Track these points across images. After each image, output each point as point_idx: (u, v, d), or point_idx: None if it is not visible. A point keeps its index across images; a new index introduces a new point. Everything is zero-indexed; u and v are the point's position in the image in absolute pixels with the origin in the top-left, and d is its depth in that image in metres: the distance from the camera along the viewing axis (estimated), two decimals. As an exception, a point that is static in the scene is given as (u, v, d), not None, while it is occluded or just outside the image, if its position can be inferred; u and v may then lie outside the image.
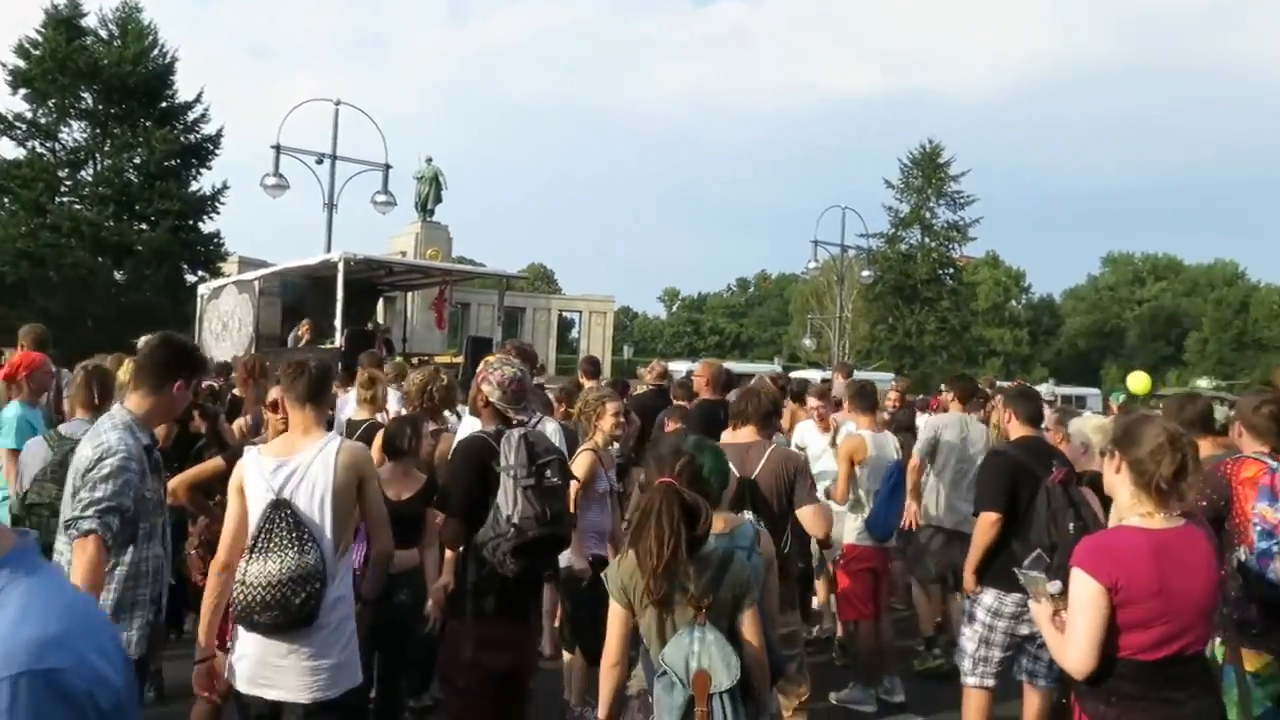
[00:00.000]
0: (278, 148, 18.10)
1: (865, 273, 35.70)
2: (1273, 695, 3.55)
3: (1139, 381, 10.24)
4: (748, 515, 4.26)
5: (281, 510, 3.25)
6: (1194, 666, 2.77)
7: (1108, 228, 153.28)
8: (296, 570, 3.17)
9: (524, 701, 4.13)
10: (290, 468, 3.33)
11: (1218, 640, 3.59)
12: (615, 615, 2.96)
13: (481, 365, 4.23)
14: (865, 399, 6.50)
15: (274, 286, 16.06)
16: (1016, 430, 4.96)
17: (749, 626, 2.94)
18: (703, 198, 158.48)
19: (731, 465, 4.31)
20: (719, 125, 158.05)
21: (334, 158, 18.57)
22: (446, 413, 5.96)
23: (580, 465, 5.14)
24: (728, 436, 4.72)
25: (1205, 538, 2.89)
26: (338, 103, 19.05)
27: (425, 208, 33.98)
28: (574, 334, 57.36)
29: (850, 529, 6.14)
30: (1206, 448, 3.92)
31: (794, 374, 26.11)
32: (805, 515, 4.50)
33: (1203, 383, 58.24)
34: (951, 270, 55.78)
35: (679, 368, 25.94)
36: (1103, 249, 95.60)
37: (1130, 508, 2.86)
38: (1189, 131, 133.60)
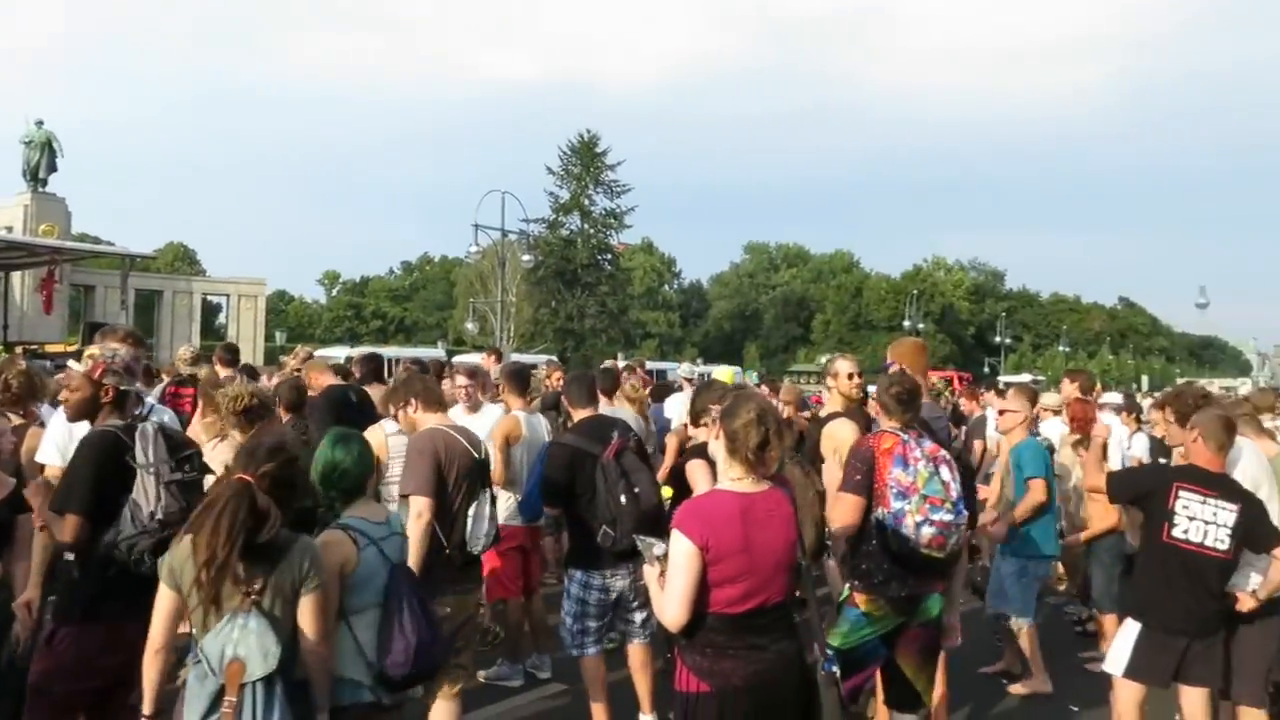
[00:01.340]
0: None
1: (526, 257, 36.38)
2: (880, 633, 4.06)
3: (725, 374, 11.33)
4: (391, 507, 4.29)
5: None
6: (775, 615, 3.08)
7: (748, 218, 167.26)
8: None
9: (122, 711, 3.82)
10: None
11: (848, 586, 4.08)
12: (163, 598, 2.92)
13: (88, 362, 3.83)
14: (518, 381, 6.62)
15: None
16: (577, 414, 5.37)
17: (307, 614, 2.96)
18: (363, 178, 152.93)
19: (470, 446, 4.62)
20: (376, 102, 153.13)
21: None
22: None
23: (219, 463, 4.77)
24: (441, 419, 4.77)
25: (788, 500, 3.22)
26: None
27: (36, 177, 29.99)
28: (221, 319, 53.40)
29: (501, 509, 6.22)
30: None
31: (457, 358, 26.04)
32: None
33: (826, 359, 65.38)
34: (610, 256, 58.09)
35: (335, 354, 24.98)
36: (744, 238, 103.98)
37: (724, 472, 3.15)
38: (817, 132, 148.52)
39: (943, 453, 4.09)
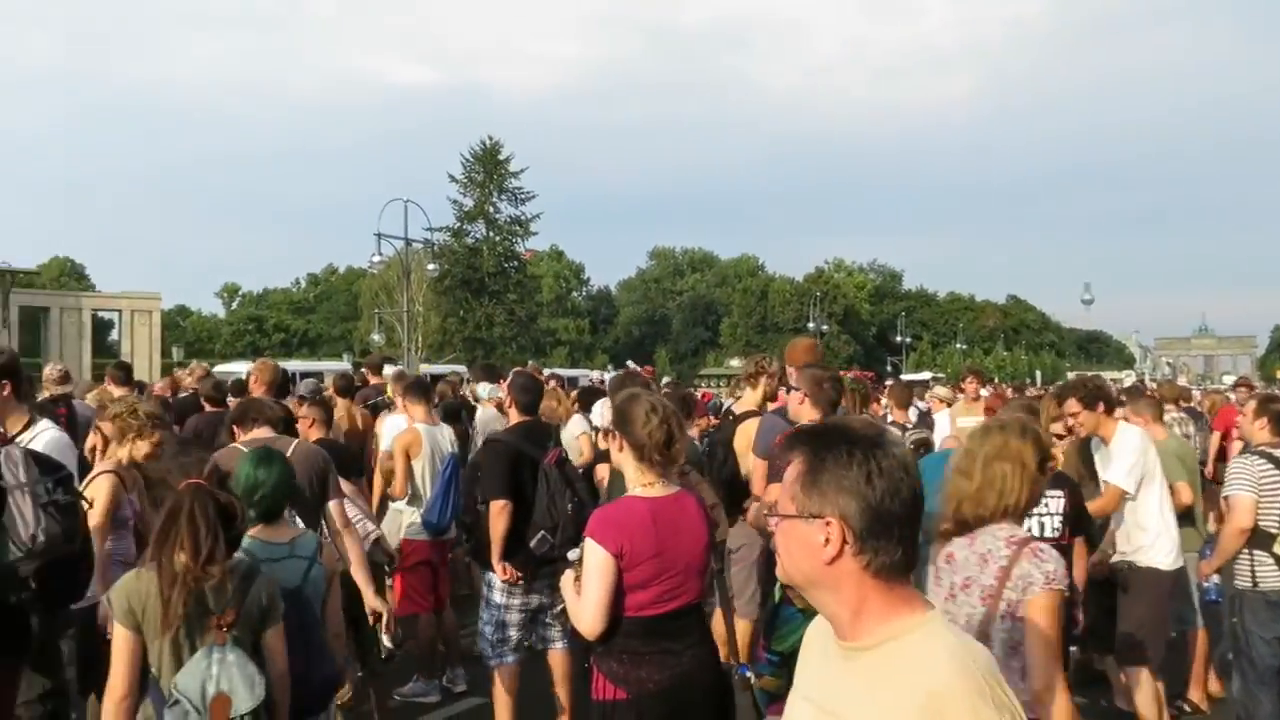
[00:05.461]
0: None
1: (431, 266, 35.94)
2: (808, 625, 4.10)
3: None
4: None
5: None
6: (690, 619, 3.13)
7: (653, 224, 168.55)
8: None
9: None
10: None
11: (779, 586, 4.12)
12: (123, 641, 2.77)
13: None
14: (419, 392, 6.56)
15: None
16: (515, 417, 5.16)
17: (273, 643, 2.88)
18: (256, 188, 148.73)
19: None
20: (262, 109, 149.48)
21: None
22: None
23: (100, 489, 4.57)
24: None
25: (696, 502, 3.28)
26: None
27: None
28: (114, 336, 51.44)
29: (406, 524, 6.16)
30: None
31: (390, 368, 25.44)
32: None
33: (735, 362, 66.17)
34: (516, 264, 57.76)
35: (236, 369, 24.22)
36: (649, 244, 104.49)
37: (634, 479, 3.18)
38: (717, 139, 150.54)
39: None
